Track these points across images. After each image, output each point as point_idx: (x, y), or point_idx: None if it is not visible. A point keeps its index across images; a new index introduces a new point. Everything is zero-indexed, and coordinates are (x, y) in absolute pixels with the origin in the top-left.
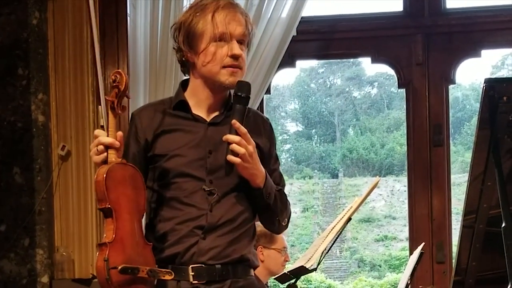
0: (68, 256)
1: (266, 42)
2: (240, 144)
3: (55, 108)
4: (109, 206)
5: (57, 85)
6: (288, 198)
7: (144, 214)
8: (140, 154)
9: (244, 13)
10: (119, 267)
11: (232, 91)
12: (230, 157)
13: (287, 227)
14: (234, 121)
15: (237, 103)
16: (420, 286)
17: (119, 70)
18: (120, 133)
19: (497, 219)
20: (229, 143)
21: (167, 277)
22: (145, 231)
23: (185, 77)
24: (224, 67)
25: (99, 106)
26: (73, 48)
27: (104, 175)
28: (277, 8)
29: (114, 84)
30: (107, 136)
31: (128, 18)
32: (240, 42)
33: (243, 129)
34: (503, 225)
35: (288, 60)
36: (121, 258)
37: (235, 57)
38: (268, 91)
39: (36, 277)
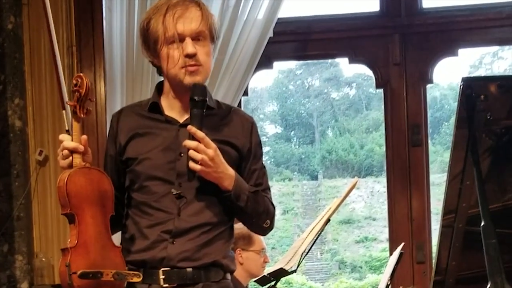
0: (47, 261)
1: (242, 43)
2: (198, 149)
3: (32, 113)
4: (70, 211)
5: (33, 89)
6: None
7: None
8: (117, 157)
9: (200, 5)
10: (78, 272)
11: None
12: (191, 164)
13: (271, 228)
14: (189, 126)
15: (193, 107)
16: (401, 287)
17: (80, 74)
18: (84, 137)
19: (476, 218)
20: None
21: (135, 279)
22: (121, 233)
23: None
24: (182, 67)
25: (63, 111)
26: (49, 52)
27: (65, 181)
28: (253, 9)
29: (75, 88)
30: (71, 140)
31: (104, 21)
32: (196, 38)
33: (200, 134)
34: (482, 224)
35: (265, 62)
36: (84, 262)
37: (189, 56)
38: (245, 93)
39: (15, 283)
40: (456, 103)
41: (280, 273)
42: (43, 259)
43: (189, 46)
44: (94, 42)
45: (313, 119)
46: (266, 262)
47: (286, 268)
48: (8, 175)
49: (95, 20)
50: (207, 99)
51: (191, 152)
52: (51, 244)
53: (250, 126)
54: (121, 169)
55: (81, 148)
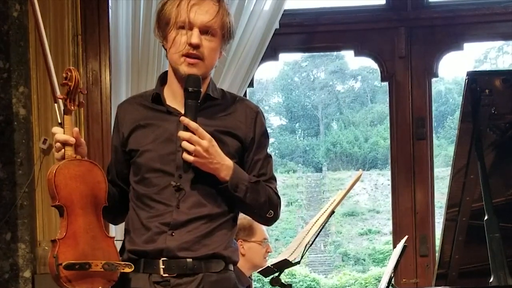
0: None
1: (248, 35)
2: (192, 140)
3: (36, 101)
4: (59, 203)
5: (38, 78)
6: None
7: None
8: (121, 148)
9: (220, 1)
10: (63, 263)
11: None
12: (184, 155)
13: (276, 218)
14: (182, 117)
15: (187, 98)
16: (404, 280)
17: (70, 68)
18: (76, 129)
19: (479, 212)
20: None
21: (127, 270)
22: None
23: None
24: (183, 55)
25: (55, 104)
26: (54, 41)
27: (54, 173)
28: (259, 1)
29: (64, 82)
30: (63, 133)
31: (110, 10)
32: (205, 32)
33: (193, 125)
34: (486, 218)
35: (271, 53)
36: (72, 253)
37: (192, 46)
38: (251, 85)
39: (18, 271)
40: (461, 97)
41: (284, 265)
42: (46, 247)
43: (195, 36)
44: (99, 31)
45: (318, 112)
46: (268, 252)
47: (290, 259)
48: (12, 163)
49: (101, 9)
50: (210, 90)
51: (184, 143)
52: (54, 233)
53: (255, 116)
54: (125, 161)
55: (72, 140)
